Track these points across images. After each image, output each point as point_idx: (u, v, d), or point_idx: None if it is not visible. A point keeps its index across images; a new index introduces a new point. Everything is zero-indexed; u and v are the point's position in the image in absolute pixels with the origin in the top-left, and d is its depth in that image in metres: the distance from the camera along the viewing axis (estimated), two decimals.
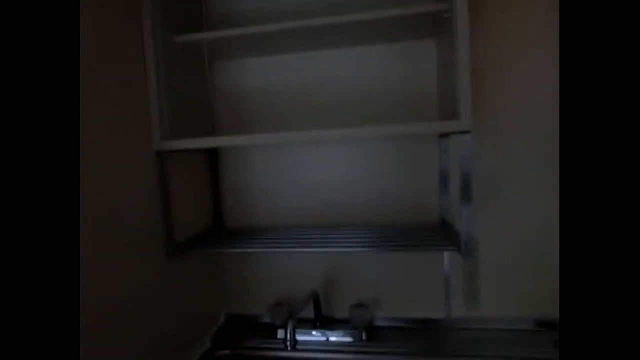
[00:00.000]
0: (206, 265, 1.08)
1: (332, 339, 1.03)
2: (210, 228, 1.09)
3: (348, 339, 1.02)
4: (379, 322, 1.07)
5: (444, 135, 0.98)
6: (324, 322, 1.05)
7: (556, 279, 1.00)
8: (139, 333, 0.78)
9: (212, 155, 1.10)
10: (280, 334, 1.05)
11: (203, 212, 1.06)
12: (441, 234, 0.94)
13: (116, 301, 0.72)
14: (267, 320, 1.11)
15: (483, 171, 0.99)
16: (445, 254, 1.03)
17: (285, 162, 1.08)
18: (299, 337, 1.03)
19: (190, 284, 0.99)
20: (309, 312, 1.04)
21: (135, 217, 0.78)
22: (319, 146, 1.06)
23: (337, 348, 1.00)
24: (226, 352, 1.03)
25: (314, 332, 1.04)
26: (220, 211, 1.11)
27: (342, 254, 1.07)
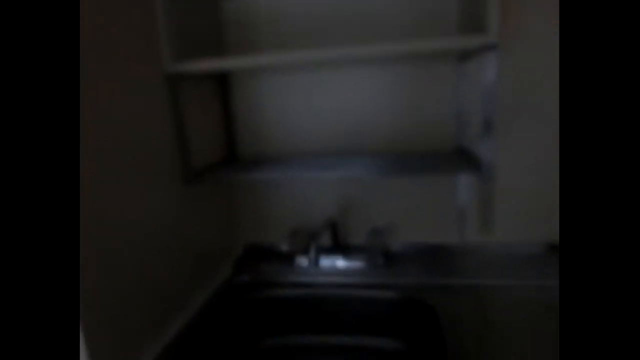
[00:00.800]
0: (222, 195, 1.08)
1: (350, 264, 1.05)
2: (224, 157, 1.07)
3: (365, 264, 1.05)
4: (395, 249, 1.09)
5: (463, 58, 0.94)
6: (341, 249, 1.07)
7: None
8: (160, 259, 0.79)
9: (223, 82, 1.06)
10: (299, 261, 1.07)
11: (215, 141, 1.04)
12: (459, 159, 0.93)
13: (138, 227, 0.72)
14: (285, 249, 1.13)
15: (504, 94, 0.96)
16: (461, 181, 1.03)
17: (298, 88, 1.04)
18: (317, 264, 1.06)
19: (208, 212, 1.00)
20: (325, 241, 1.06)
21: (149, 144, 0.77)
22: (333, 71, 1.02)
23: (355, 272, 1.03)
24: (246, 278, 1.06)
25: (331, 258, 1.06)
26: (233, 140, 1.09)
27: (358, 179, 1.07)
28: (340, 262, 1.05)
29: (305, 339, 1.01)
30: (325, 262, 1.06)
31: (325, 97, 1.04)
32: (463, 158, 0.93)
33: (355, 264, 1.05)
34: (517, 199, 1.02)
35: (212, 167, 0.98)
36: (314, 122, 1.06)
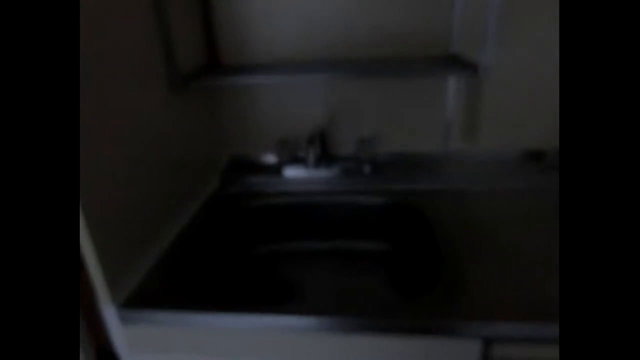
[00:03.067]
0: (207, 105, 1.04)
1: (338, 173, 1.06)
2: (206, 65, 1.01)
3: (353, 173, 1.06)
4: (381, 158, 1.11)
5: None
6: (329, 158, 1.08)
7: (551, 111, 1.04)
8: (151, 168, 0.77)
9: None
10: (287, 171, 1.07)
11: (196, 47, 0.97)
12: (450, 64, 0.92)
13: (130, 135, 0.69)
14: (271, 160, 1.12)
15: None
16: (449, 89, 1.03)
17: None
18: (307, 174, 1.06)
19: (195, 123, 0.96)
20: (314, 152, 1.06)
21: (136, 48, 0.70)
22: None
23: (343, 181, 1.05)
24: (235, 190, 1.05)
25: (320, 168, 1.06)
26: (215, 46, 1.01)
27: (346, 88, 1.05)
28: (328, 171, 1.06)
29: (296, 245, 1.04)
30: (313, 171, 1.07)
31: (311, 2, 0.97)
32: (456, 63, 0.91)
33: (343, 172, 1.06)
34: (501, 108, 1.04)
35: (197, 74, 0.92)
36: (301, 26, 0.99)
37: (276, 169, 1.09)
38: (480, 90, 1.03)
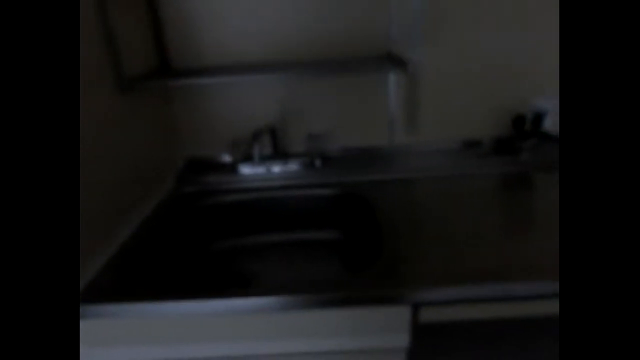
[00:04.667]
0: (160, 107, 1.07)
1: (290, 168, 1.12)
2: (157, 68, 1.04)
3: (304, 168, 1.12)
4: (331, 152, 1.17)
5: None
6: (281, 155, 1.13)
7: (487, 103, 1.14)
8: (102, 170, 0.80)
9: None
10: (242, 169, 1.11)
11: (145, 50, 1.00)
12: (385, 62, 1.00)
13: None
14: (226, 159, 1.17)
15: (432, 4, 1.02)
16: (390, 87, 1.10)
17: None
18: (259, 170, 1.11)
19: (147, 124, 0.99)
20: (266, 149, 1.11)
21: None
22: None
23: (296, 175, 1.10)
24: (191, 189, 1.09)
25: (272, 164, 1.12)
26: (164, 50, 1.05)
27: (295, 87, 1.11)
28: (281, 167, 1.12)
29: (253, 239, 1.09)
30: (267, 168, 1.12)
31: (260, 4, 1.03)
32: (392, 61, 0.99)
33: (295, 167, 1.12)
34: (440, 101, 1.13)
35: (145, 77, 0.95)
36: (250, 30, 1.05)
37: (231, 167, 1.14)
38: (419, 87, 1.11)
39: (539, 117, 1.08)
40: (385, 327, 0.68)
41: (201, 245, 1.04)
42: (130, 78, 0.89)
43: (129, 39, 0.90)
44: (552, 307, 0.68)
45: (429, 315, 0.68)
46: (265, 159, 1.11)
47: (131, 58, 0.91)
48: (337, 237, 1.06)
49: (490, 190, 1.00)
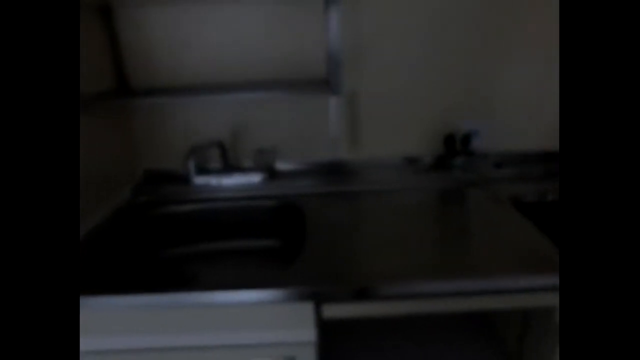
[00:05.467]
0: (119, 124, 1.16)
1: (239, 181, 1.20)
2: (115, 89, 1.14)
3: (253, 181, 1.20)
4: (279, 167, 1.26)
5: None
6: (231, 169, 1.22)
7: (424, 124, 1.23)
8: None
9: (106, 13, 1.09)
10: (198, 180, 1.20)
11: (104, 72, 1.10)
12: (321, 86, 1.10)
13: None
14: (182, 172, 1.25)
15: (365, 35, 1.13)
16: (332, 107, 1.20)
17: (186, 21, 1.12)
18: (214, 183, 1.20)
19: (104, 141, 1.08)
20: (218, 163, 1.20)
21: None
22: (219, 6, 1.11)
23: (244, 188, 1.19)
24: (144, 199, 1.17)
25: (223, 177, 1.20)
26: (123, 72, 1.15)
27: (246, 106, 1.20)
28: (231, 180, 1.20)
29: (201, 247, 1.16)
30: (218, 180, 1.20)
31: (213, 31, 1.13)
32: (324, 85, 1.09)
33: (244, 180, 1.20)
34: (380, 121, 1.23)
35: (104, 96, 1.05)
36: (204, 54, 1.15)
37: (185, 180, 1.22)
38: (359, 107, 1.21)
39: (467, 137, 1.17)
40: (292, 323, 0.75)
41: (150, 252, 1.11)
42: (89, 97, 0.98)
43: (89, 61, 1.00)
44: (453, 305, 0.76)
45: (332, 311, 0.76)
46: (216, 172, 1.20)
47: (90, 78, 1.00)
48: (276, 246, 1.14)
49: (422, 203, 1.09)
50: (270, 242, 1.15)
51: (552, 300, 0.78)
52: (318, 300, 0.74)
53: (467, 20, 1.12)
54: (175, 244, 1.15)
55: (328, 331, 1.05)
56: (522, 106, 1.22)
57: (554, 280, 0.75)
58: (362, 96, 1.20)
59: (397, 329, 1.12)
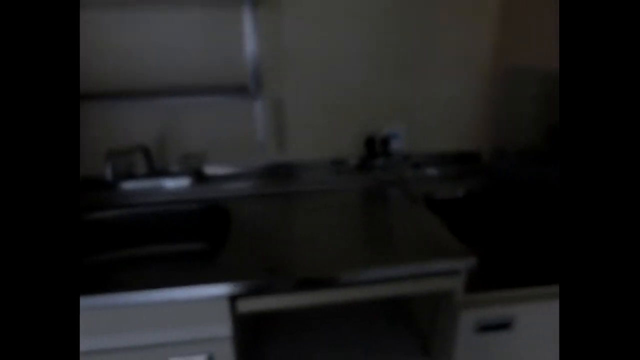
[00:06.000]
0: None
1: (167, 185, 1.21)
2: None
3: (181, 185, 1.21)
4: (209, 171, 1.27)
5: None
6: (158, 173, 1.22)
7: (349, 128, 1.30)
8: None
9: None
10: (125, 185, 1.18)
11: None
12: (242, 90, 1.14)
13: None
14: (109, 177, 1.23)
15: (291, 41, 1.18)
16: (257, 111, 1.24)
17: (106, 25, 1.11)
18: (136, 185, 1.19)
19: None
20: (142, 169, 1.19)
21: None
22: (148, 12, 1.11)
23: (172, 192, 1.19)
24: None
25: (151, 181, 1.20)
26: None
27: (173, 111, 1.21)
28: (158, 185, 1.20)
29: (125, 253, 1.15)
30: (144, 185, 1.19)
31: (135, 36, 1.13)
32: (245, 90, 1.13)
33: (171, 185, 1.20)
34: (308, 125, 1.28)
35: None
36: (131, 61, 1.15)
37: (112, 185, 1.20)
38: (285, 112, 1.26)
39: (386, 140, 1.25)
40: (208, 319, 0.78)
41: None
42: None
43: None
44: (367, 292, 0.82)
45: (247, 305, 0.79)
46: (143, 177, 1.19)
47: None
48: (204, 248, 1.15)
49: (344, 202, 1.15)
50: (196, 244, 1.16)
51: (452, 283, 0.86)
52: (233, 295, 0.77)
53: (389, 28, 1.21)
54: (99, 251, 1.13)
55: (253, 327, 1.08)
56: (440, 111, 1.32)
57: (451, 265, 0.83)
58: (287, 101, 1.24)
59: (322, 319, 1.18)
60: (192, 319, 0.78)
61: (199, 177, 1.24)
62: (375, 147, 1.26)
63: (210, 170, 1.28)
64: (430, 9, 1.21)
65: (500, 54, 1.26)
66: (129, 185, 1.19)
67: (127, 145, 1.14)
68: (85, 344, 0.77)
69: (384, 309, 1.23)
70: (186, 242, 1.16)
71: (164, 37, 1.14)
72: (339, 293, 0.82)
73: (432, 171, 1.34)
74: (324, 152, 1.32)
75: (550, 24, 1.03)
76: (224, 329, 0.79)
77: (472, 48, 1.27)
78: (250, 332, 1.10)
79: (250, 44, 1.07)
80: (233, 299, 0.78)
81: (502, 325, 0.93)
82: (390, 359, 1.04)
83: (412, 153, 1.34)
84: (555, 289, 0.92)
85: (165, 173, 1.23)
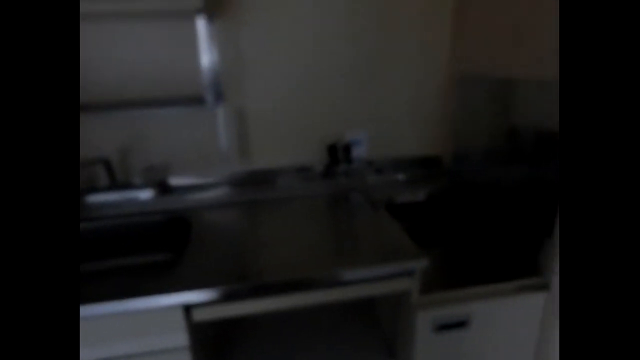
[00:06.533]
0: None
1: (130, 198, 1.20)
2: None
3: (144, 197, 1.21)
4: (173, 182, 1.27)
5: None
6: (121, 186, 1.21)
7: (314, 136, 1.32)
8: None
9: None
10: (86, 198, 1.18)
11: None
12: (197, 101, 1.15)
13: None
14: None
15: (250, 51, 1.20)
16: (219, 121, 1.25)
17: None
18: (98, 198, 1.18)
19: None
20: (104, 181, 1.19)
21: None
22: (98, 23, 1.12)
23: (135, 204, 1.19)
24: None
25: (111, 195, 1.19)
26: None
27: (135, 124, 1.21)
28: (120, 197, 1.19)
29: (88, 266, 1.13)
30: (109, 197, 1.19)
31: (100, 50, 1.14)
32: (201, 100, 1.14)
33: (134, 197, 1.20)
34: (269, 134, 1.30)
35: None
36: (90, 74, 1.15)
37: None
38: (247, 122, 1.27)
39: (348, 147, 1.28)
40: (163, 330, 0.78)
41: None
42: None
43: None
44: (321, 297, 0.83)
45: (203, 314, 0.79)
46: (104, 190, 1.18)
47: None
48: (168, 259, 1.15)
49: (308, 208, 1.16)
50: (156, 256, 1.15)
51: (407, 284, 0.89)
52: (187, 305, 0.77)
53: (348, 37, 1.24)
54: None
55: (217, 334, 1.08)
56: (401, 117, 1.36)
57: (405, 267, 0.85)
58: (250, 110, 1.26)
59: (292, 323, 1.19)
60: (149, 331, 0.78)
61: (164, 189, 1.24)
62: (338, 154, 1.29)
63: (175, 181, 1.28)
64: (388, 19, 1.25)
65: (456, 61, 1.31)
66: (91, 198, 1.18)
67: (87, 158, 1.13)
68: None
69: (352, 312, 1.25)
70: (147, 254, 1.15)
71: (122, 50, 1.15)
72: (295, 298, 0.84)
73: (395, 176, 1.37)
74: (289, 160, 1.34)
75: (497, 34, 1.08)
76: (180, 339, 0.79)
77: (429, 56, 1.31)
78: (214, 340, 1.10)
79: (205, 55, 1.08)
80: (187, 308, 0.78)
81: (460, 324, 0.96)
82: None
83: (376, 159, 1.38)
84: (509, 285, 0.96)
85: (128, 185, 1.23)
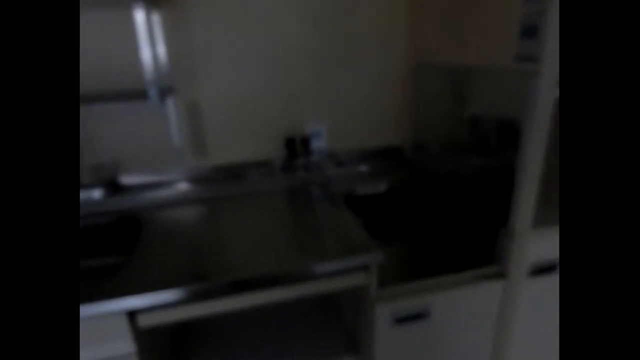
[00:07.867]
0: None
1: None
2: None
3: (93, 197, 1.15)
4: (125, 181, 1.21)
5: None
6: None
7: (272, 129, 1.29)
8: None
9: None
10: None
11: None
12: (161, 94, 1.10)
13: None
14: None
15: (203, 43, 1.15)
16: (171, 115, 1.20)
17: None
18: None
19: None
20: None
21: None
22: None
23: (83, 204, 1.12)
24: None
25: None
26: None
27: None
28: None
29: None
30: None
31: None
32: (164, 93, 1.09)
33: (82, 197, 1.14)
34: (225, 129, 1.25)
35: None
36: None
37: None
38: (201, 117, 1.22)
39: (306, 139, 1.25)
40: (109, 336, 0.74)
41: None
42: None
43: None
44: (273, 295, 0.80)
45: (149, 319, 0.75)
46: None
47: None
48: (119, 262, 1.10)
49: (266, 204, 1.13)
50: (102, 259, 1.10)
51: (364, 279, 0.87)
52: (131, 311, 0.73)
53: (303, 27, 1.21)
54: None
55: (172, 339, 1.05)
56: (360, 108, 1.34)
57: (361, 261, 0.84)
58: (204, 104, 1.21)
59: (254, 323, 1.16)
60: (93, 339, 0.73)
61: (114, 188, 1.18)
62: (296, 147, 1.26)
63: (128, 179, 1.22)
64: (346, 7, 1.22)
65: (412, 51, 1.30)
66: None
67: None
68: None
69: (315, 307, 1.23)
70: (91, 258, 1.10)
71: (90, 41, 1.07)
72: (249, 297, 0.81)
73: (357, 168, 1.35)
74: (249, 155, 1.30)
75: (453, 22, 1.07)
76: (126, 345, 0.75)
77: (389, 45, 1.30)
78: (169, 345, 1.06)
79: (145, 47, 1.02)
80: (132, 314, 0.74)
81: (420, 315, 0.96)
82: (320, 357, 1.04)
83: (337, 151, 1.35)
84: (467, 275, 0.96)
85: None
